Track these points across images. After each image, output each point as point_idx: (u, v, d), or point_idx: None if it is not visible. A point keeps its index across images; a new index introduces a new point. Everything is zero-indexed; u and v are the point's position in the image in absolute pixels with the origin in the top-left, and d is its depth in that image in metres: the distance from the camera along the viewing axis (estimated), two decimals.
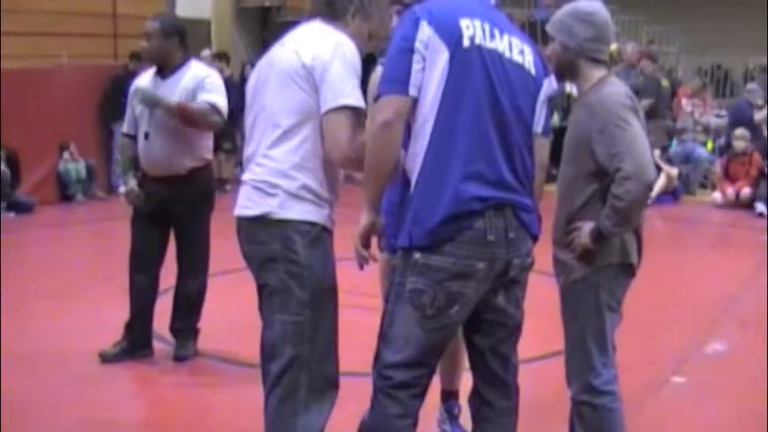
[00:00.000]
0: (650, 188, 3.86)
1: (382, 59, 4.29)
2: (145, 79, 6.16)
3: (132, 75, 13.20)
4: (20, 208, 12.57)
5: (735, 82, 21.14)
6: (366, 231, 3.70)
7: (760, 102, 15.13)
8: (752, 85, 16.17)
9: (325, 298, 3.87)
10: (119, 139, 6.47)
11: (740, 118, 14.78)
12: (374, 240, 3.84)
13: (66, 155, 13.67)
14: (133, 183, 6.20)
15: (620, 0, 14.60)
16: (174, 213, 6.19)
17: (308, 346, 3.81)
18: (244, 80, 13.74)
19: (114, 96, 13.42)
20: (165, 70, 6.06)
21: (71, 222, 12.77)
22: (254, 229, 3.86)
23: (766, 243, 10.74)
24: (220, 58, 15.36)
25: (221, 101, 5.99)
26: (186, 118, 5.91)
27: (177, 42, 6.13)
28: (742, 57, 20.78)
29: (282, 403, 3.84)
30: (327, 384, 3.91)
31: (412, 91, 3.47)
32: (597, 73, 4.03)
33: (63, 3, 13.98)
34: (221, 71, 13.79)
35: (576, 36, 3.98)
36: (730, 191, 13.78)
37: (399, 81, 3.47)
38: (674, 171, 14.25)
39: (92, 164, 13.97)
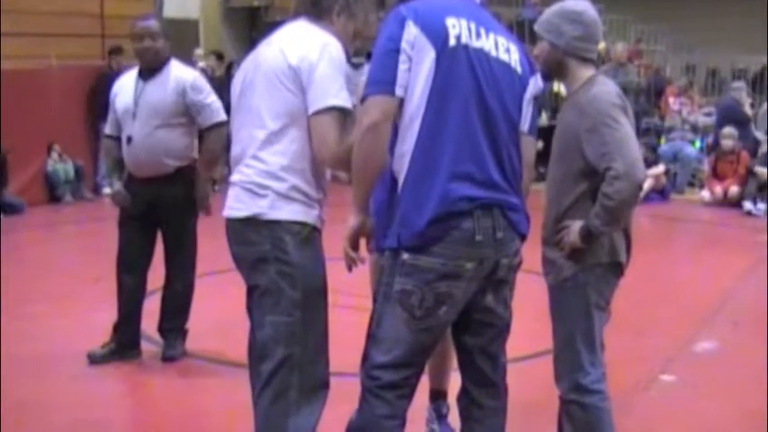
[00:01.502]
0: (640, 187, 3.86)
1: (355, 59, 4.29)
2: (127, 81, 6.14)
3: (117, 73, 13.25)
4: (9, 209, 12.52)
5: (722, 80, 21.20)
6: (354, 233, 3.69)
7: (746, 99, 15.19)
8: (738, 83, 16.21)
9: (316, 298, 3.87)
10: (104, 142, 6.48)
11: (728, 116, 14.81)
12: (363, 241, 3.84)
13: (54, 155, 13.63)
14: (119, 184, 6.20)
15: None
16: (161, 214, 6.18)
17: (299, 346, 3.81)
18: (229, 79, 13.77)
19: (100, 95, 13.41)
20: (150, 71, 6.04)
21: (60, 223, 12.73)
22: (245, 230, 3.85)
23: (764, 242, 10.73)
24: (216, 56, 15.44)
25: (217, 105, 5.99)
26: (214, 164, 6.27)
27: (168, 43, 6.17)
28: (729, 55, 20.85)
29: (273, 404, 3.84)
30: (318, 384, 3.91)
31: (398, 91, 3.46)
32: (586, 72, 4.03)
33: (51, 3, 13.92)
34: (213, 70, 13.86)
35: (565, 35, 3.99)
36: (718, 189, 13.82)
37: (386, 81, 3.46)
38: (661, 168, 14.28)
39: (80, 165, 13.94)
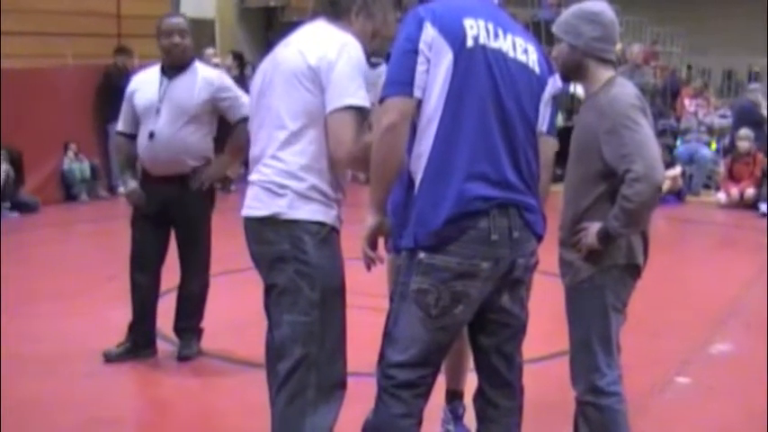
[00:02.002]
0: (660, 189, 3.84)
1: (374, 59, 4.30)
2: (149, 78, 6.15)
3: (123, 71, 13.32)
4: (24, 208, 12.55)
5: (738, 82, 21.15)
6: (373, 232, 3.71)
7: (762, 101, 15.13)
8: (754, 85, 16.16)
9: (334, 298, 3.88)
10: (116, 139, 6.50)
11: (744, 118, 14.76)
12: (381, 241, 3.84)
13: (70, 154, 13.66)
14: (134, 183, 6.21)
15: (623, 0, 14.58)
16: (176, 213, 6.18)
17: (316, 345, 3.82)
18: (244, 79, 13.82)
19: (106, 94, 13.49)
20: (176, 69, 6.07)
21: (75, 222, 12.77)
22: (263, 230, 3.86)
23: None
24: (234, 56, 15.46)
25: (245, 99, 5.94)
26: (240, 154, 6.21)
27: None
28: (745, 57, 20.81)
29: (291, 403, 3.84)
30: (335, 384, 3.92)
31: (416, 92, 3.47)
32: (605, 73, 4.02)
33: (68, 3, 14.00)
34: (229, 70, 13.87)
35: (584, 36, 3.98)
36: (734, 191, 13.77)
37: (404, 83, 3.47)
38: (677, 170, 14.24)
39: (96, 164, 13.98)
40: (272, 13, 19.28)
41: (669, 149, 14.52)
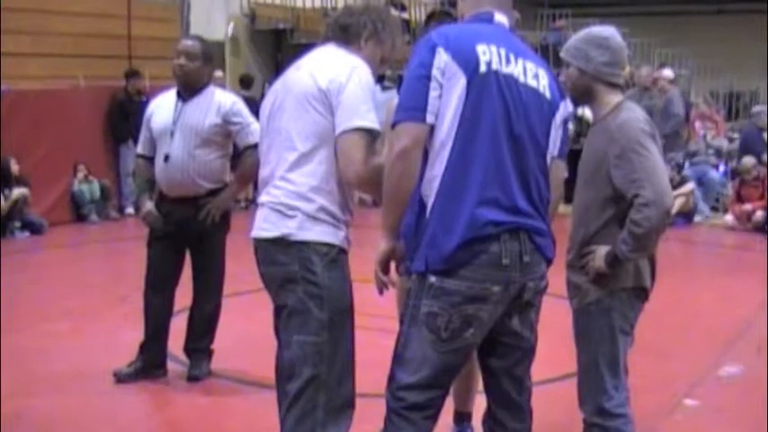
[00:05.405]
0: (669, 214, 3.87)
1: (388, 83, 4.34)
2: (165, 101, 6.20)
3: (134, 94, 13.41)
4: (32, 228, 12.55)
5: (746, 104, 21.14)
6: (385, 257, 3.73)
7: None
8: (757, 108, 16.12)
9: (343, 319, 3.91)
10: (133, 161, 6.54)
11: (749, 145, 14.71)
12: (392, 265, 3.86)
13: (79, 175, 13.71)
14: (150, 204, 6.24)
15: (630, 23, 14.63)
16: (191, 234, 6.20)
17: (326, 366, 3.85)
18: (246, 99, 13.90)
19: (116, 118, 13.59)
20: (188, 92, 6.11)
21: (85, 242, 12.81)
22: (273, 251, 3.90)
23: None
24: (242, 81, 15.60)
25: (256, 127, 5.94)
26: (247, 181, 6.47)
27: (210, 68, 6.26)
28: (754, 80, 20.80)
29: (299, 423, 3.86)
30: (344, 404, 3.94)
31: (429, 118, 3.49)
32: (614, 98, 4.06)
33: (79, 25, 14.07)
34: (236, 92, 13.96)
35: (593, 61, 4.01)
36: (742, 213, 13.74)
37: (417, 108, 3.49)
38: (690, 186, 14.15)
39: (106, 184, 14.02)
40: (282, 35, 19.37)
41: (679, 167, 14.45)
